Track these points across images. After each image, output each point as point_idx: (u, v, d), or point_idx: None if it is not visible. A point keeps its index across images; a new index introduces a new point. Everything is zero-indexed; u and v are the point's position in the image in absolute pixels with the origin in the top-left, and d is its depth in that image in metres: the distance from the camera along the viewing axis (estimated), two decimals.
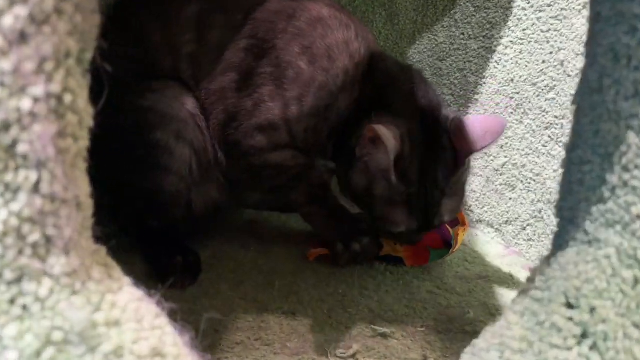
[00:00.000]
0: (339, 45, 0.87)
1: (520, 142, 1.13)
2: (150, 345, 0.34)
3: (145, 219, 0.89)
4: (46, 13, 0.28)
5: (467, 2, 1.20)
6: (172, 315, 0.39)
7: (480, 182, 1.21)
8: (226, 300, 0.84)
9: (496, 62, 1.18)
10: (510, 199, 1.15)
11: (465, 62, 1.23)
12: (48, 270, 0.31)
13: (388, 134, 0.79)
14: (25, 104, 0.28)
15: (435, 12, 1.23)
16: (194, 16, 0.86)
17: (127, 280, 0.36)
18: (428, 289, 0.94)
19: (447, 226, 0.97)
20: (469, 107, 1.21)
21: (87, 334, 0.32)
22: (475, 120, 0.86)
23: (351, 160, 0.86)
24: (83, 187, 0.33)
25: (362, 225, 0.94)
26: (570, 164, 0.45)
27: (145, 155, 0.83)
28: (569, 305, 0.41)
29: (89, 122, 0.34)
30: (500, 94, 1.16)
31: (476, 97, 1.21)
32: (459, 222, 1.00)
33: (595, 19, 0.41)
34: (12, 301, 0.31)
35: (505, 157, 1.16)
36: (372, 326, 0.82)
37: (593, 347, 0.40)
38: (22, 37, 0.27)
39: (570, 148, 0.46)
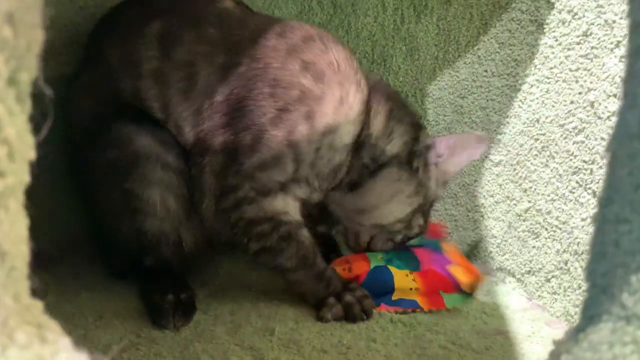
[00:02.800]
0: (346, 59, 0.85)
1: (545, 186, 1.07)
2: None
3: (138, 258, 0.87)
4: None
5: (491, 38, 1.16)
6: None
7: (502, 227, 1.15)
8: (221, 345, 0.80)
9: (521, 101, 1.13)
10: (534, 247, 1.09)
11: (487, 100, 1.19)
12: None
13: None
14: None
15: (458, 47, 1.20)
16: (156, 32, 0.83)
17: (65, 344, 0.30)
18: (441, 343, 0.87)
19: (448, 267, 0.97)
20: (491, 147, 1.16)
21: None
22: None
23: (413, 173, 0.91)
24: (11, 233, 0.27)
25: (352, 284, 0.90)
26: (604, 222, 0.39)
27: (120, 201, 0.84)
28: None
29: (28, 154, 0.28)
30: (525, 135, 1.11)
31: (499, 137, 1.17)
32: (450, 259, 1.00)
33: (635, 54, 0.35)
34: None
35: (529, 202, 1.10)
36: None
37: None
38: None
39: (605, 202, 0.39)
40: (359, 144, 0.88)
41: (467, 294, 0.95)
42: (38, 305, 0.30)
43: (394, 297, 0.93)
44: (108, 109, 0.84)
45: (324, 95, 0.82)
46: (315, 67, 0.82)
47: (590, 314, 0.39)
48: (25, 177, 0.29)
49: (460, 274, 0.96)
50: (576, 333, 0.39)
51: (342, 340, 0.83)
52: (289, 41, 0.83)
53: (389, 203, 0.92)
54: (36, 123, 0.30)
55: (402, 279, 0.95)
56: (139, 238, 0.85)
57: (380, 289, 0.93)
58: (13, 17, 0.25)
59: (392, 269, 0.95)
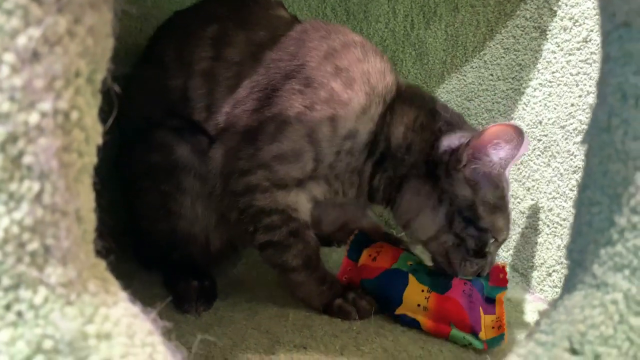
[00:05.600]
0: (376, 72, 0.86)
1: (547, 185, 1.11)
2: None
3: (167, 252, 0.92)
4: (59, 35, 0.30)
5: (497, 43, 1.20)
6: (167, 334, 0.39)
7: None
8: (239, 329, 0.84)
9: (524, 104, 1.17)
10: (536, 243, 1.12)
11: (493, 103, 1.22)
12: (44, 279, 0.32)
13: (519, 133, 0.82)
14: (33, 118, 0.30)
15: (465, 52, 1.24)
16: (212, 35, 0.87)
17: (123, 296, 0.37)
18: None
19: (482, 310, 0.90)
20: None
21: (77, 345, 0.32)
22: None
23: (437, 180, 0.86)
24: (85, 201, 0.34)
25: (349, 287, 0.92)
26: (580, 205, 0.44)
27: (158, 200, 0.88)
28: (573, 351, 0.40)
29: (97, 139, 0.35)
30: (528, 136, 1.15)
31: None
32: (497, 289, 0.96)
33: (605, 59, 0.41)
34: (7, 307, 0.32)
35: (532, 199, 1.14)
36: None
37: None
38: (35, 56, 0.29)
39: (582, 189, 0.45)
40: (382, 155, 0.88)
41: (478, 340, 0.86)
42: (102, 263, 0.37)
43: (398, 312, 0.90)
44: (155, 112, 0.88)
45: (350, 102, 0.84)
46: (348, 73, 0.84)
47: (568, 286, 0.44)
48: (94, 159, 0.36)
49: (488, 324, 0.89)
50: (555, 301, 0.44)
51: (352, 326, 0.88)
52: (330, 44, 0.85)
53: (417, 218, 0.89)
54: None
55: (415, 292, 0.90)
56: (170, 236, 0.89)
57: (387, 293, 0.91)
58: (93, 30, 0.31)
59: (412, 278, 0.91)
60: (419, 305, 0.89)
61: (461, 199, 0.86)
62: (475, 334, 0.86)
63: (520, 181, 1.17)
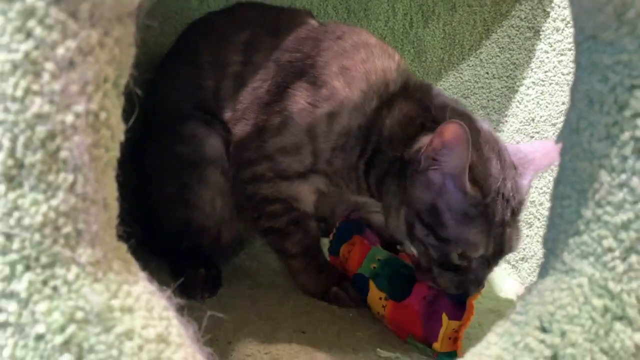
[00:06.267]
0: (377, 71, 0.86)
1: (538, 180, 1.15)
2: (156, 332, 0.39)
3: (177, 240, 0.95)
4: (91, 46, 0.34)
5: (492, 43, 1.24)
6: (180, 310, 0.44)
7: None
8: (242, 315, 0.87)
9: (518, 101, 1.21)
10: (527, 236, 1.17)
11: (488, 101, 1.26)
12: (76, 258, 0.37)
13: (466, 132, 0.71)
14: (69, 118, 0.34)
15: (462, 51, 1.27)
16: (244, 40, 0.92)
17: (142, 275, 0.42)
18: None
19: (445, 317, 0.80)
20: None
21: (104, 316, 0.37)
22: (530, 144, 0.85)
23: (403, 179, 0.80)
24: (110, 191, 0.39)
25: (346, 276, 0.95)
26: (554, 199, 0.49)
27: (177, 192, 0.91)
28: (543, 329, 0.44)
29: (120, 136, 0.40)
30: (521, 133, 1.19)
31: (498, 134, 1.24)
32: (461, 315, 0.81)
33: (577, 68, 0.45)
34: (44, 282, 0.36)
35: None
36: (379, 349, 0.83)
37: None
38: (71, 65, 0.34)
39: (555, 184, 0.50)
40: (374, 151, 0.87)
41: (430, 348, 0.81)
42: (124, 246, 0.41)
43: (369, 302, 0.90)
44: (187, 105, 0.92)
45: (346, 100, 0.86)
46: (350, 73, 0.86)
47: (542, 272, 0.49)
48: (117, 153, 0.40)
49: (447, 333, 0.80)
50: (530, 287, 0.49)
51: (349, 312, 0.91)
52: (341, 45, 0.88)
53: (387, 218, 0.86)
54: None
55: (374, 299, 0.89)
56: (184, 226, 0.92)
57: (362, 295, 0.91)
58: (119, 41, 0.36)
59: (372, 284, 0.89)
60: (378, 312, 0.89)
61: (420, 203, 0.78)
62: (429, 345, 0.81)
63: None
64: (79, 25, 0.33)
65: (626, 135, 0.41)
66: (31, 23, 0.32)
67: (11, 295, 0.36)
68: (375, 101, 0.86)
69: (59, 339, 0.36)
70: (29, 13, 0.32)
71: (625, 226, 0.42)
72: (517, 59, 1.21)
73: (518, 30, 1.20)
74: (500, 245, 0.77)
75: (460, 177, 0.74)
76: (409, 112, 0.84)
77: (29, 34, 0.32)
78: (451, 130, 0.71)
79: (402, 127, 0.83)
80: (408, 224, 0.80)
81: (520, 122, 1.20)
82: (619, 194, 0.42)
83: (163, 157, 0.93)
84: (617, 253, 0.42)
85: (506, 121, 1.23)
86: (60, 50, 0.33)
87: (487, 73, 1.25)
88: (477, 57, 1.26)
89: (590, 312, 0.43)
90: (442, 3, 1.26)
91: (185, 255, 0.95)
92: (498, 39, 1.23)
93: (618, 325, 0.42)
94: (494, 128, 1.25)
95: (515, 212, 0.78)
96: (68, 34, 0.33)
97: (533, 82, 1.18)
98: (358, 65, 0.87)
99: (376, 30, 1.28)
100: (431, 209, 0.77)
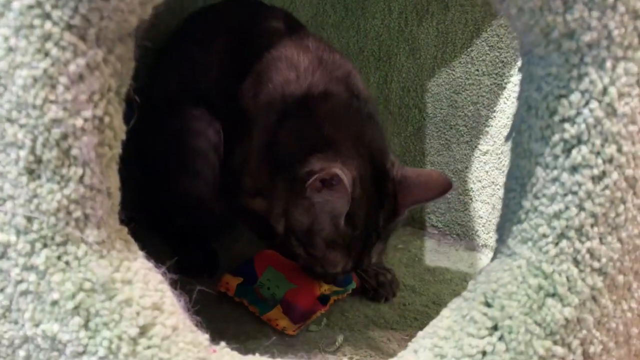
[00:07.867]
0: (279, 85, 0.88)
1: None
2: (152, 301, 0.47)
3: (173, 216, 1.02)
4: (97, 62, 0.42)
5: (483, 41, 1.27)
6: (173, 284, 0.51)
7: (487, 209, 1.27)
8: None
9: (506, 97, 1.24)
10: None
11: (478, 97, 1.28)
12: (85, 238, 0.44)
13: (349, 180, 0.76)
14: (79, 122, 0.42)
15: (454, 49, 1.29)
16: (221, 47, 0.98)
17: (141, 254, 0.49)
18: (423, 303, 1.02)
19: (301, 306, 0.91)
20: (480, 138, 1.28)
21: (108, 287, 0.45)
22: (421, 174, 0.86)
23: (290, 195, 0.84)
24: (113, 182, 0.46)
25: None
26: (505, 192, 0.55)
27: (182, 159, 0.96)
28: (486, 304, 0.51)
29: (122, 136, 0.47)
30: (509, 128, 1.23)
31: (487, 129, 1.27)
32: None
33: (521, 77, 0.52)
34: (59, 257, 0.44)
35: None
36: (364, 329, 0.91)
37: (501, 337, 0.49)
38: (80, 78, 0.41)
39: (507, 178, 0.56)
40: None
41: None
42: (125, 229, 0.49)
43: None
44: (188, 90, 0.98)
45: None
46: (262, 88, 0.91)
47: (493, 257, 0.56)
48: (119, 150, 0.48)
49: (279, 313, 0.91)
50: (481, 269, 0.56)
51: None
52: (282, 52, 0.93)
53: (270, 216, 0.90)
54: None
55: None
56: (181, 198, 0.98)
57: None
58: (121, 57, 0.43)
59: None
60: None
61: (297, 224, 0.84)
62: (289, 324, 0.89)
63: (501, 169, 1.24)
64: (88, 45, 0.41)
65: (556, 137, 0.47)
66: (48, 45, 0.40)
67: (31, 268, 0.44)
68: (275, 116, 0.88)
69: (70, 305, 0.44)
70: (47, 37, 0.39)
71: (557, 215, 0.49)
72: (505, 57, 1.23)
73: (507, 29, 1.22)
74: (359, 262, 0.87)
75: (337, 217, 0.81)
76: (300, 130, 0.85)
77: (46, 54, 0.40)
78: (336, 178, 0.76)
79: (293, 144, 0.85)
80: (285, 233, 0.87)
81: (508, 118, 1.23)
82: (551, 187, 0.48)
83: (169, 132, 0.97)
84: (550, 239, 0.49)
85: (495, 116, 1.26)
86: (72, 67, 0.41)
87: (478, 70, 1.28)
88: (468, 55, 1.28)
89: (527, 289, 0.50)
90: (436, 2, 1.29)
91: (184, 237, 1.02)
92: (488, 37, 1.25)
93: (550, 301, 0.49)
94: (483, 123, 1.29)
95: (381, 238, 0.87)
96: (78, 53, 0.40)
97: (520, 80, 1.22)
98: (275, 74, 0.90)
99: (373, 28, 1.31)
100: (307, 231, 0.84)
